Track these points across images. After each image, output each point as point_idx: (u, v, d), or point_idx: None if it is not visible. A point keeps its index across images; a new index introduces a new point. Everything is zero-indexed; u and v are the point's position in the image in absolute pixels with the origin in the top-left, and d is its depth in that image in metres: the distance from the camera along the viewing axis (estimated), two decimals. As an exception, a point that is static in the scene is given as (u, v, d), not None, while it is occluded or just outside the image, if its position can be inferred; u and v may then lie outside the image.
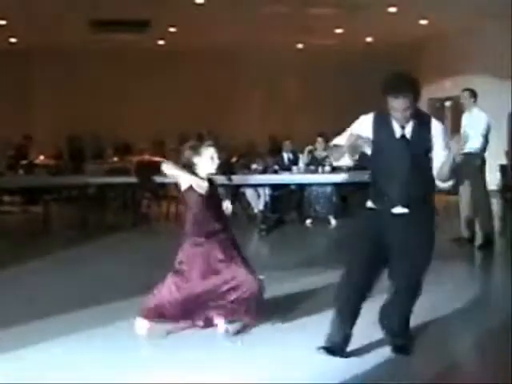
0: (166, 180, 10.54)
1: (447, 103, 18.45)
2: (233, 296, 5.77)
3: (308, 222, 12.35)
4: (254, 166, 12.61)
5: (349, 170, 11.69)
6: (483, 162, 9.67)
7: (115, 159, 15.89)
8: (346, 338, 5.25)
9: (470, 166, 9.15)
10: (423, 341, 5.61)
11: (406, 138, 5.06)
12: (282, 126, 16.64)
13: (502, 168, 15.91)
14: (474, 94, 9.78)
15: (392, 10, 14.53)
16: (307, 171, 12.66)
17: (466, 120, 9.77)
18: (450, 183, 5.43)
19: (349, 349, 5.31)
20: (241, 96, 19.50)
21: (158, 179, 11.52)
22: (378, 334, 5.45)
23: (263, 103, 19.71)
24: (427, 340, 5.67)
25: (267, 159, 13.43)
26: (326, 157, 11.58)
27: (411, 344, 5.42)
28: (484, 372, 5.27)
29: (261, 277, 5.90)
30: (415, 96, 4.94)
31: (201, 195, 5.82)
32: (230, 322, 5.88)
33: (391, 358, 5.29)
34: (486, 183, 9.92)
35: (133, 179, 12.49)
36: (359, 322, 5.30)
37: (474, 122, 9.55)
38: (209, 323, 5.94)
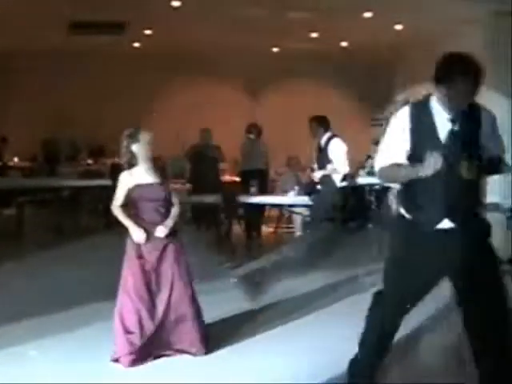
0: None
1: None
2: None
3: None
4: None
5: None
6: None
7: (89, 162, 15.89)
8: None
9: None
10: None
11: (458, 132, 4.21)
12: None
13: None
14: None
15: (368, 14, 14.62)
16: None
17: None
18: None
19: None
20: (221, 99, 19.47)
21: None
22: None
23: (241, 106, 19.70)
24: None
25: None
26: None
27: None
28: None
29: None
30: (481, 80, 4.18)
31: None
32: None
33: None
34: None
35: (107, 182, 12.47)
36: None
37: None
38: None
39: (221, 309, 6.70)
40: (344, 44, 18.03)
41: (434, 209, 4.05)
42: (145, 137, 5.83)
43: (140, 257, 5.64)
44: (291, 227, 13.25)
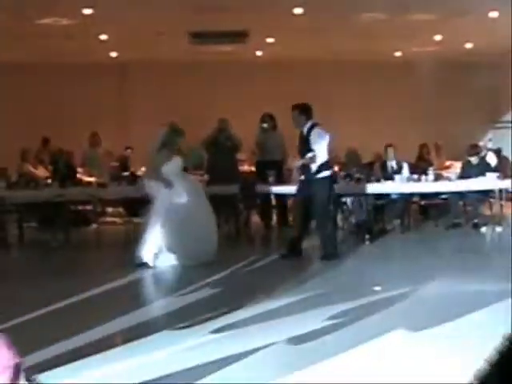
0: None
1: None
2: None
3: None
4: (356, 175, 12.66)
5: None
6: None
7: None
8: None
9: None
10: None
11: None
12: (379, 136, 16.56)
13: None
14: None
15: (493, 14, 14.37)
16: (409, 180, 12.63)
17: None
18: None
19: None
20: (339, 105, 19.52)
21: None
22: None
23: (361, 112, 19.68)
24: None
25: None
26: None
27: None
28: None
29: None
30: None
31: None
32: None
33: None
34: None
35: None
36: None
37: None
38: None
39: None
40: (469, 46, 17.78)
41: None
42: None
43: None
44: None
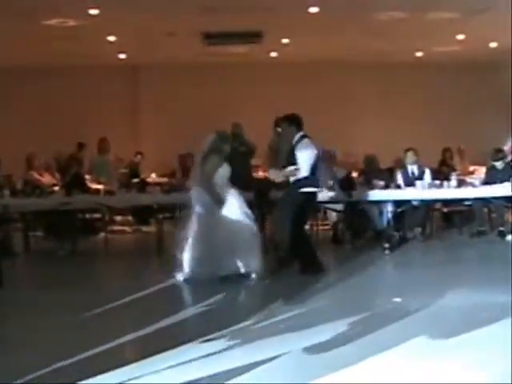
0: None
1: None
2: None
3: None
4: (375, 182, 12.50)
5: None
6: None
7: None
8: None
9: None
10: None
11: None
12: (399, 140, 16.42)
13: None
14: None
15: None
16: (431, 186, 12.46)
17: None
18: None
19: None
20: (355, 108, 19.43)
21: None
22: None
23: (380, 115, 19.56)
24: None
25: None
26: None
27: None
28: None
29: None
30: None
31: None
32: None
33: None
34: None
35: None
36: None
37: None
38: None
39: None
40: (493, 45, 17.61)
41: None
42: None
43: None
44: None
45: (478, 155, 16.11)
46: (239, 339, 6.20)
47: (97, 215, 13.50)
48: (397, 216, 12.35)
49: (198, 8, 13.59)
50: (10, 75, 17.70)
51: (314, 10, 14.05)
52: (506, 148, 15.27)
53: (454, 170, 14.57)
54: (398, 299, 6.52)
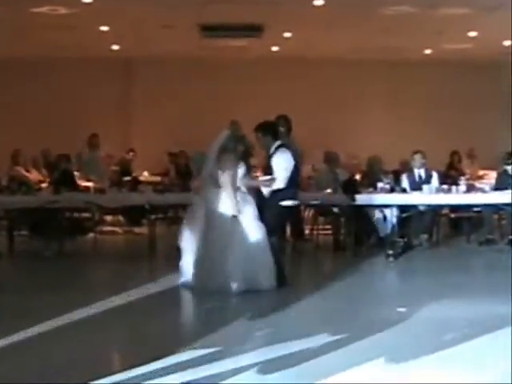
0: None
1: None
2: None
3: None
4: (380, 185, 12.34)
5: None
6: None
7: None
8: None
9: None
10: None
11: None
12: (406, 142, 16.33)
13: None
14: None
15: (534, 9, 14.07)
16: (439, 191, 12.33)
17: None
18: None
19: None
20: (360, 107, 19.33)
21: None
22: None
23: (385, 115, 19.47)
24: None
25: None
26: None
27: None
28: None
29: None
30: None
31: None
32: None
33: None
34: None
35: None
36: None
37: None
38: None
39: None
40: (507, 43, 17.50)
41: None
42: None
43: None
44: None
45: (488, 159, 16.02)
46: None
47: (86, 214, 13.33)
48: (402, 221, 12.25)
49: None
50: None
51: (318, 2, 13.92)
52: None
53: (463, 174, 14.48)
54: (401, 309, 6.50)
